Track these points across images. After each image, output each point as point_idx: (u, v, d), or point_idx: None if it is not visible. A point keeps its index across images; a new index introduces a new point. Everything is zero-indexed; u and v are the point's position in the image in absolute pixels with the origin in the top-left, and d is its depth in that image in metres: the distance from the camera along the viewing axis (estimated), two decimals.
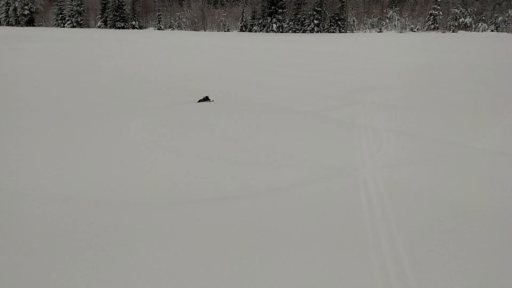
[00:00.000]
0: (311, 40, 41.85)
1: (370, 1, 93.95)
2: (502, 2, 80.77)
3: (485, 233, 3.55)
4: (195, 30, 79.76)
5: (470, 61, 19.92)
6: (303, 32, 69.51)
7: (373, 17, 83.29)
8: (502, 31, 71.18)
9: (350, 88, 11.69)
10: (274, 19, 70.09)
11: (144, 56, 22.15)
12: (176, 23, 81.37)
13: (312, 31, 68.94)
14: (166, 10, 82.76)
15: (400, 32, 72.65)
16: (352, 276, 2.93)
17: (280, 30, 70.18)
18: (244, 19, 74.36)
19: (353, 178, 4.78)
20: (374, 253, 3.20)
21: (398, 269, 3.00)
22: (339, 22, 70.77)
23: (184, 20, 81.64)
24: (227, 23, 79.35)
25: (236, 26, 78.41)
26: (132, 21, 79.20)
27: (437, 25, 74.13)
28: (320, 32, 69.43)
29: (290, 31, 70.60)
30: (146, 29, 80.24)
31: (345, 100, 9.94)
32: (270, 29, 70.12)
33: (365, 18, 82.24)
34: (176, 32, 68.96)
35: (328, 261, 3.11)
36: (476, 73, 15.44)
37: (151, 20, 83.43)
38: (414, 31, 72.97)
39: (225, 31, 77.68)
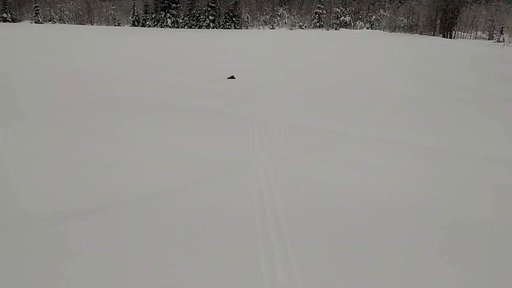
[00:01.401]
0: (208, 36, 41.85)
1: None
2: (375, 3, 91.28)
3: (370, 217, 4.00)
4: (80, 24, 73.38)
5: (346, 57, 22.09)
6: (199, 27, 69.10)
7: (266, 14, 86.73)
8: (376, 29, 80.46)
9: (244, 85, 12.01)
10: (168, 14, 68.25)
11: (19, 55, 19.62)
12: (57, 16, 73.74)
13: (208, 27, 68.95)
14: (45, 1, 74.36)
15: (291, 29, 76.91)
16: (240, 273, 3.04)
17: (176, 25, 68.68)
18: (136, 13, 70.89)
19: (245, 173, 4.94)
20: (263, 246, 3.37)
21: (285, 263, 3.20)
22: (234, 19, 72.02)
23: (67, 12, 74.45)
24: (117, 17, 74.70)
25: (127, 21, 74.35)
26: (3, 14, 69.43)
27: (322, 23, 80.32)
28: (216, 28, 69.84)
29: (186, 27, 69.56)
30: (21, 22, 71.10)
31: (240, 96, 10.19)
32: (164, 24, 68.13)
33: (258, 15, 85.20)
34: (58, 26, 62.47)
35: (220, 261, 3.17)
36: (353, 68, 17.18)
37: (27, 12, 74.20)
38: (303, 28, 78.00)
39: (115, 25, 73.08)
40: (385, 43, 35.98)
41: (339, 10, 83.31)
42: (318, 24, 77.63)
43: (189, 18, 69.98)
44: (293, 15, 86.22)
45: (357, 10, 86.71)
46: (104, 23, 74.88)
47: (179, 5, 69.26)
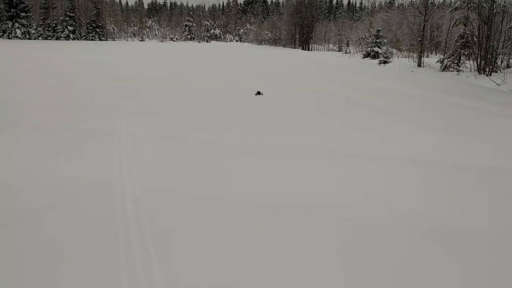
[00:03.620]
0: (70, 48, 38.09)
1: (128, 9, 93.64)
2: (242, 17, 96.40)
3: (267, 226, 3.93)
4: None
5: (220, 67, 22.68)
6: (56, 39, 62.64)
7: (133, 26, 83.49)
8: (244, 41, 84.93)
9: (111, 95, 11.18)
10: (17, 24, 60.05)
11: None
12: None
13: (67, 38, 63.02)
14: None
15: (162, 41, 75.67)
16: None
17: (27, 36, 60.85)
18: None
19: (109, 190, 4.45)
20: (125, 260, 3.03)
21: (146, 269, 2.93)
22: (97, 30, 67.40)
23: None
24: None
25: None
26: None
27: (193, 35, 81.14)
28: (78, 39, 64.35)
29: (41, 38, 62.34)
30: None
31: (105, 109, 9.39)
32: (13, 35, 59.73)
33: (126, 26, 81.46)
34: None
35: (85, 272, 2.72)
36: (225, 74, 17.65)
37: None
38: (174, 41, 77.49)
39: None
40: (253, 54, 38.09)
41: (208, 23, 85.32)
42: (189, 36, 78.05)
43: (43, 28, 62.88)
44: (163, 27, 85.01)
45: (226, 24, 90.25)
46: None
47: (30, 14, 61.63)
